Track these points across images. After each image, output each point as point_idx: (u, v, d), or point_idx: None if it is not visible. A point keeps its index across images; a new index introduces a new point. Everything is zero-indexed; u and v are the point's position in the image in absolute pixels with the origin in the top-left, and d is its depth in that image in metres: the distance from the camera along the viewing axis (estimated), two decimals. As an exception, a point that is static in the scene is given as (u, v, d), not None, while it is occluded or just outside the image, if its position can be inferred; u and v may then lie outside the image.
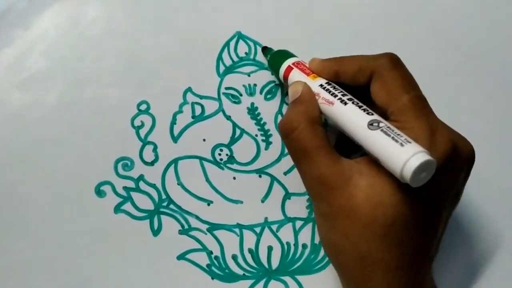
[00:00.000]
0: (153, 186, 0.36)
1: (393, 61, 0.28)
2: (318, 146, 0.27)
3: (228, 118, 0.37)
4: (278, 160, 0.37)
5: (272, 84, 0.38)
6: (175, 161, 0.36)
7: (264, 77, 0.38)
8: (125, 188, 0.35)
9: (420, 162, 0.23)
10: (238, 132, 0.37)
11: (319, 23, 0.39)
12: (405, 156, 0.23)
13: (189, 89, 0.37)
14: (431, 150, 0.24)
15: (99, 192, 0.35)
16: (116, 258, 0.34)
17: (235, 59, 0.38)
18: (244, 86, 0.38)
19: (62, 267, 0.34)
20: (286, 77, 0.33)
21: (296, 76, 0.32)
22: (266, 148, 0.37)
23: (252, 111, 0.37)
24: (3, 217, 0.35)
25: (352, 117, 0.27)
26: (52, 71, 0.37)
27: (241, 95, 0.38)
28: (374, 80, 0.28)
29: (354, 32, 0.39)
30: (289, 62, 0.33)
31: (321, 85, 0.30)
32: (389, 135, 0.24)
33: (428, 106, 0.27)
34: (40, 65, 0.37)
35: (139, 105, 0.37)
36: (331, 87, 0.29)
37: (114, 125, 0.36)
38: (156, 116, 0.37)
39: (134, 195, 0.35)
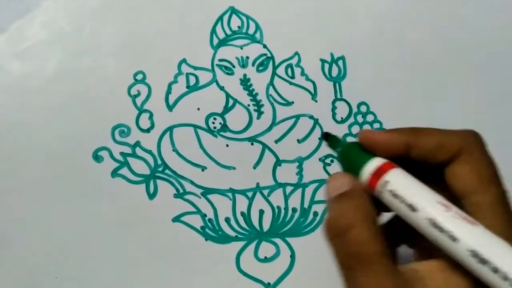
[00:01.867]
0: (149, 152, 0.37)
1: (482, 142, 0.24)
2: (380, 251, 0.21)
3: (222, 88, 0.39)
4: (269, 129, 0.38)
5: (264, 57, 0.39)
6: (170, 129, 0.37)
7: (256, 50, 0.40)
8: (122, 153, 0.37)
9: None
10: (231, 102, 0.38)
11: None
12: None
13: (183, 61, 0.39)
14: None
15: (97, 157, 0.36)
16: (113, 220, 0.35)
17: (228, 32, 0.40)
18: (237, 58, 0.39)
19: (59, 228, 0.35)
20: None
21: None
22: (258, 118, 0.38)
23: (245, 82, 0.39)
24: (3, 180, 0.36)
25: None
26: (51, 41, 0.38)
27: (234, 66, 0.39)
28: (462, 161, 0.23)
29: (350, 12, 0.41)
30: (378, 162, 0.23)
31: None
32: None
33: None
34: (39, 35, 0.38)
35: (135, 75, 0.38)
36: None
37: (111, 93, 0.38)
38: (152, 85, 0.38)
39: (131, 160, 0.37)
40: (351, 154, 0.24)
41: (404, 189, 0.22)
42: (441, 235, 0.20)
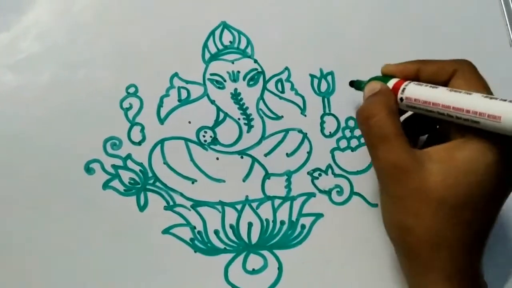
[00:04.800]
0: (140, 164, 0.37)
1: (473, 66, 0.32)
2: (396, 133, 0.29)
3: (213, 102, 0.39)
4: (259, 142, 0.39)
5: (255, 72, 0.40)
6: (161, 142, 0.38)
7: (247, 64, 0.40)
8: (113, 166, 0.37)
9: None
10: (221, 115, 0.39)
11: (302, 12, 0.42)
12: None
13: (175, 74, 0.39)
14: None
15: (88, 170, 0.37)
16: (104, 232, 0.36)
17: (220, 47, 0.40)
18: (228, 72, 0.40)
19: (50, 240, 0.36)
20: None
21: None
22: (248, 131, 0.39)
23: (235, 96, 0.40)
24: (-5, 192, 0.36)
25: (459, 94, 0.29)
26: (45, 54, 0.39)
27: (225, 81, 0.40)
28: (457, 77, 0.31)
29: (340, 28, 0.42)
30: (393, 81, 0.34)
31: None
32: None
33: None
34: (33, 48, 0.39)
35: (127, 88, 0.39)
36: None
37: (103, 106, 0.38)
38: (144, 98, 0.39)
39: (122, 172, 0.37)
40: (377, 79, 0.34)
41: (421, 87, 0.31)
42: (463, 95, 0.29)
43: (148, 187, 0.37)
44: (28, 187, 0.36)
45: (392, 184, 0.30)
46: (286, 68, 0.41)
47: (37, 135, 0.37)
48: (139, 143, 0.38)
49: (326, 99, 0.40)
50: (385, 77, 0.34)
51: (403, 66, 0.34)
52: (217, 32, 0.41)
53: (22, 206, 0.36)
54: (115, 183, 0.37)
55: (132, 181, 0.37)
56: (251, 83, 0.40)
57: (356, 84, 0.38)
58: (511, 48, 0.43)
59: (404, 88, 0.32)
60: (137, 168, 0.37)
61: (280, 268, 0.36)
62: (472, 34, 0.43)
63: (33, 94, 0.38)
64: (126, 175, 0.37)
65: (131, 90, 0.39)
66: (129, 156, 0.37)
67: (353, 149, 0.40)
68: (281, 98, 0.40)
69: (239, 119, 0.39)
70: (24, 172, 0.37)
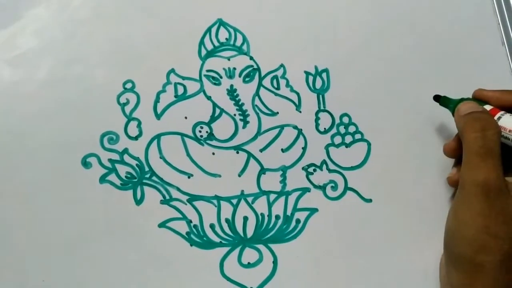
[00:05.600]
0: (137, 159, 0.38)
1: None
2: (499, 153, 0.31)
3: (209, 98, 0.40)
4: (254, 138, 0.39)
5: (250, 68, 0.41)
6: (158, 137, 0.38)
7: (243, 61, 0.41)
8: (110, 160, 0.38)
9: None
10: (217, 111, 0.40)
11: (298, 10, 0.42)
12: None
13: (172, 70, 0.40)
14: None
15: (85, 164, 0.37)
16: (100, 225, 0.36)
17: (216, 44, 0.41)
18: (224, 69, 0.41)
19: (47, 232, 0.36)
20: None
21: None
22: (244, 127, 0.40)
23: (231, 93, 0.40)
24: (-8, 185, 0.36)
25: None
26: (42, 49, 0.39)
27: (221, 77, 0.40)
28: None
29: (334, 26, 0.43)
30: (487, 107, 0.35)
31: None
32: None
33: None
34: (31, 44, 0.39)
35: (125, 83, 0.39)
36: None
37: (100, 101, 0.39)
38: (140, 94, 0.39)
39: (119, 166, 0.38)
40: (469, 101, 0.35)
41: None
42: None
43: (144, 181, 0.37)
44: (25, 181, 0.37)
45: (480, 200, 0.30)
46: (282, 65, 0.41)
47: (34, 129, 0.38)
48: (136, 138, 0.38)
49: (321, 96, 0.41)
50: (477, 101, 0.35)
51: (499, 94, 0.35)
52: (213, 29, 0.41)
53: (19, 200, 0.36)
54: (112, 177, 0.37)
55: (128, 175, 0.37)
56: (247, 79, 0.41)
57: (443, 100, 0.37)
58: (503, 46, 0.44)
59: (500, 117, 0.33)
60: (133, 162, 0.38)
61: (275, 262, 0.37)
62: (465, 33, 0.44)
63: (30, 89, 0.38)
64: (122, 169, 0.37)
65: (128, 85, 0.39)
66: (126, 151, 0.38)
67: (347, 145, 0.40)
68: (276, 94, 0.41)
69: (235, 115, 0.40)
70: (22, 166, 0.37)
